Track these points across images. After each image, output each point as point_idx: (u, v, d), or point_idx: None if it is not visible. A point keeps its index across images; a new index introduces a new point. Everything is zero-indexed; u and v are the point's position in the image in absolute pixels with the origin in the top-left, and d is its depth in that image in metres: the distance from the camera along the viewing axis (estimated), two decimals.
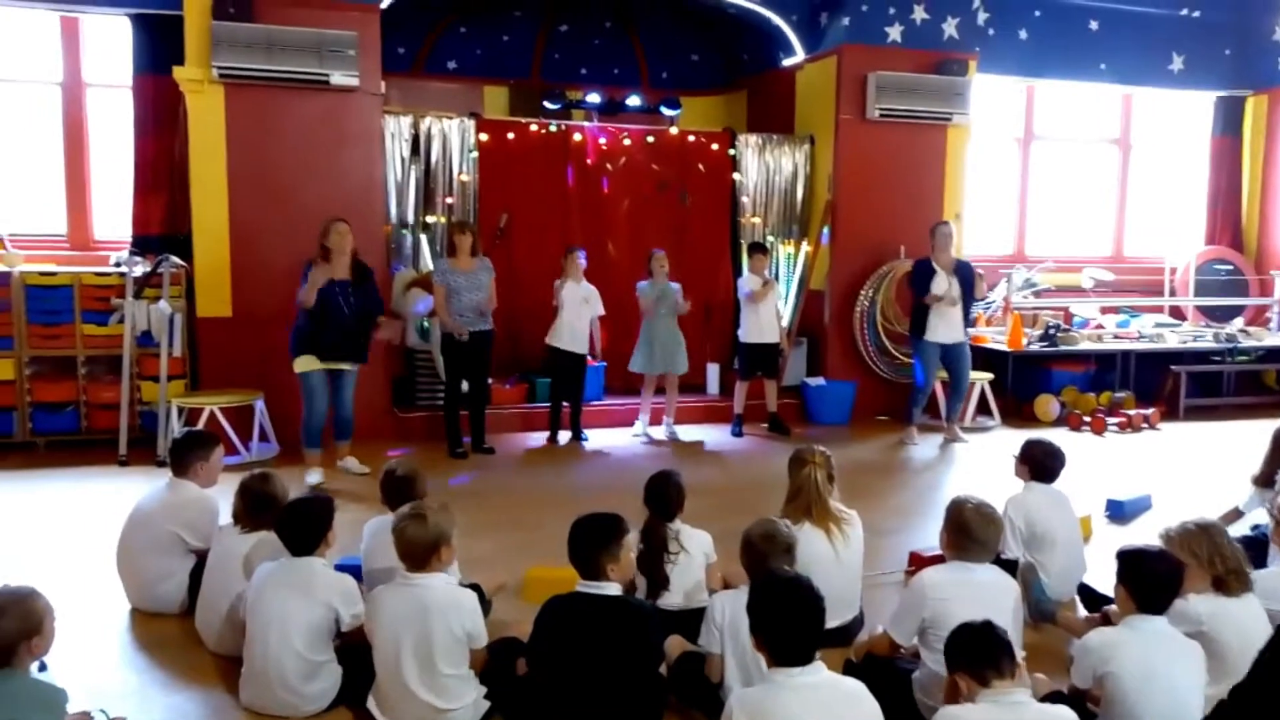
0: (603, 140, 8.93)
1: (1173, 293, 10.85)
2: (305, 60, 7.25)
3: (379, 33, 7.62)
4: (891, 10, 8.89)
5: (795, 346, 9.19)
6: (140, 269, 7.19)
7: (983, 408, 8.96)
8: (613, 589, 3.19)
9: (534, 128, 8.72)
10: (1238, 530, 4.64)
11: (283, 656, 3.38)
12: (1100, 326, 10.09)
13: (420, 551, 3.30)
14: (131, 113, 7.90)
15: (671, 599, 3.90)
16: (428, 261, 8.24)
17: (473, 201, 8.43)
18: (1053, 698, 3.06)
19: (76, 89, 8.17)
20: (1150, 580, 3.09)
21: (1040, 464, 4.56)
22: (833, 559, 3.91)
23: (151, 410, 7.22)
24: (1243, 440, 8.33)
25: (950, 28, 9.12)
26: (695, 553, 3.98)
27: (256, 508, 3.92)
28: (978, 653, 2.67)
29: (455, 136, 8.30)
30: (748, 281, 8.13)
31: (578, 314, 7.65)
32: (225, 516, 4.17)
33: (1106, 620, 3.65)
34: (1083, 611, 4.35)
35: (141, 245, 7.75)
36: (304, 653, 3.40)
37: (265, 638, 3.40)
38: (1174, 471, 7.28)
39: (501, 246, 8.54)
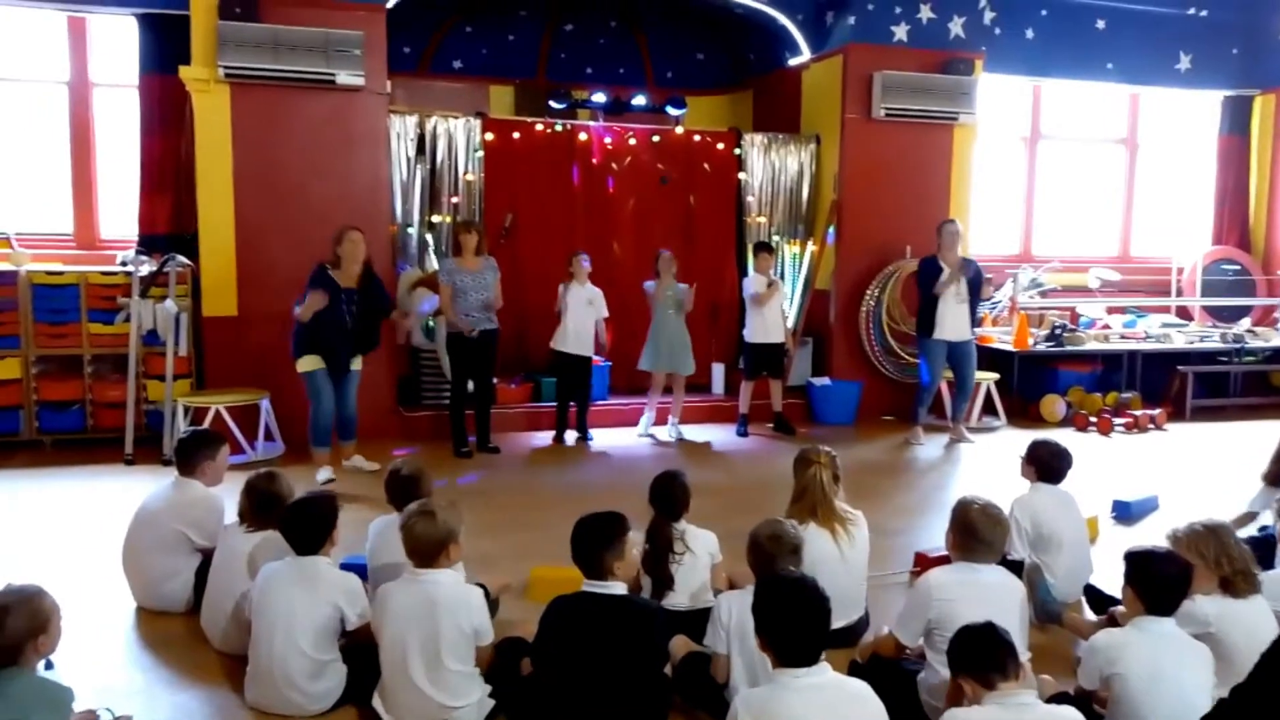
0: (608, 140, 8.93)
1: (1179, 293, 10.82)
2: (311, 60, 7.26)
3: (385, 32, 7.63)
4: (898, 9, 8.88)
5: (800, 346, 9.18)
6: (146, 268, 7.20)
7: (989, 408, 8.95)
8: (618, 588, 3.19)
9: (539, 127, 8.72)
10: (1246, 531, 4.62)
11: (288, 655, 3.39)
12: (1107, 327, 10.07)
13: (429, 548, 3.31)
14: (138, 112, 7.91)
15: (677, 599, 3.89)
16: (433, 261, 8.25)
17: (478, 201, 8.44)
18: (1059, 699, 3.05)
19: (83, 88, 8.19)
20: (1158, 582, 3.08)
21: (1047, 464, 4.55)
22: (838, 559, 3.91)
23: (157, 409, 7.23)
24: (1250, 441, 8.30)
25: (956, 27, 9.11)
26: (701, 553, 3.98)
27: (262, 507, 3.92)
28: (981, 656, 2.66)
29: (461, 136, 8.30)
30: (752, 282, 8.12)
31: (582, 316, 7.65)
32: (231, 515, 4.18)
33: (1113, 621, 3.64)
34: (1089, 613, 4.34)
35: (148, 244, 7.76)
36: (309, 652, 3.40)
37: (271, 637, 3.41)
38: (1181, 472, 7.26)
39: (507, 246, 8.54)
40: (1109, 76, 10.15)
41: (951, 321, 7.87)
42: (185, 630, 4.12)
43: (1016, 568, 4.10)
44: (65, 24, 8.07)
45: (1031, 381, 9.28)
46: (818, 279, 9.37)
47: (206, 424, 6.63)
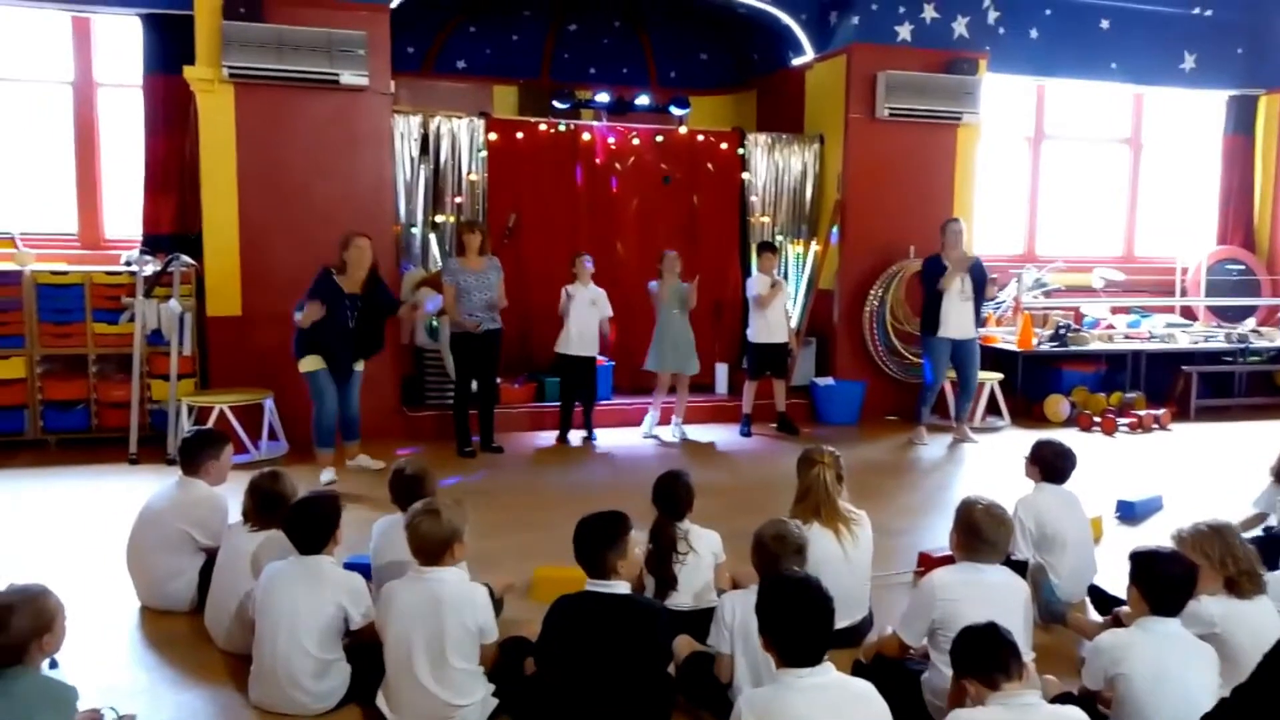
0: (612, 140, 8.93)
1: (1184, 293, 10.80)
2: (315, 60, 7.26)
3: (389, 32, 7.64)
4: (901, 9, 8.87)
5: (804, 346, 9.18)
6: (151, 268, 7.21)
7: (992, 408, 8.94)
8: (621, 587, 3.19)
9: (543, 127, 8.73)
10: (1252, 531, 4.61)
11: (292, 655, 3.39)
12: (1111, 327, 10.05)
13: (434, 546, 3.31)
14: (142, 112, 7.92)
15: (680, 599, 3.89)
16: (437, 261, 8.25)
17: (482, 201, 8.44)
18: (1063, 699, 3.04)
19: (88, 89, 8.21)
20: (1163, 582, 3.08)
21: (1051, 465, 4.54)
22: (842, 559, 3.90)
23: (162, 409, 7.24)
24: (1254, 441, 8.30)
25: (960, 27, 9.10)
26: (704, 553, 3.98)
27: (266, 506, 3.93)
28: (985, 657, 2.66)
29: (464, 136, 8.31)
30: (755, 283, 8.11)
31: (586, 318, 7.65)
32: (235, 515, 4.18)
33: (1117, 622, 3.64)
34: (1093, 613, 4.33)
35: (152, 244, 7.77)
36: (313, 651, 3.41)
37: (274, 636, 3.41)
38: (1185, 473, 7.25)
39: (510, 246, 8.54)
40: (1113, 76, 10.13)
41: (956, 319, 7.87)
42: (189, 629, 4.12)
43: (1020, 568, 4.09)
44: (70, 24, 8.08)
45: (1035, 381, 9.27)
46: (821, 279, 9.37)
47: (210, 423, 6.65)
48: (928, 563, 4.69)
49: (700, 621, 3.57)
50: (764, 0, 9.01)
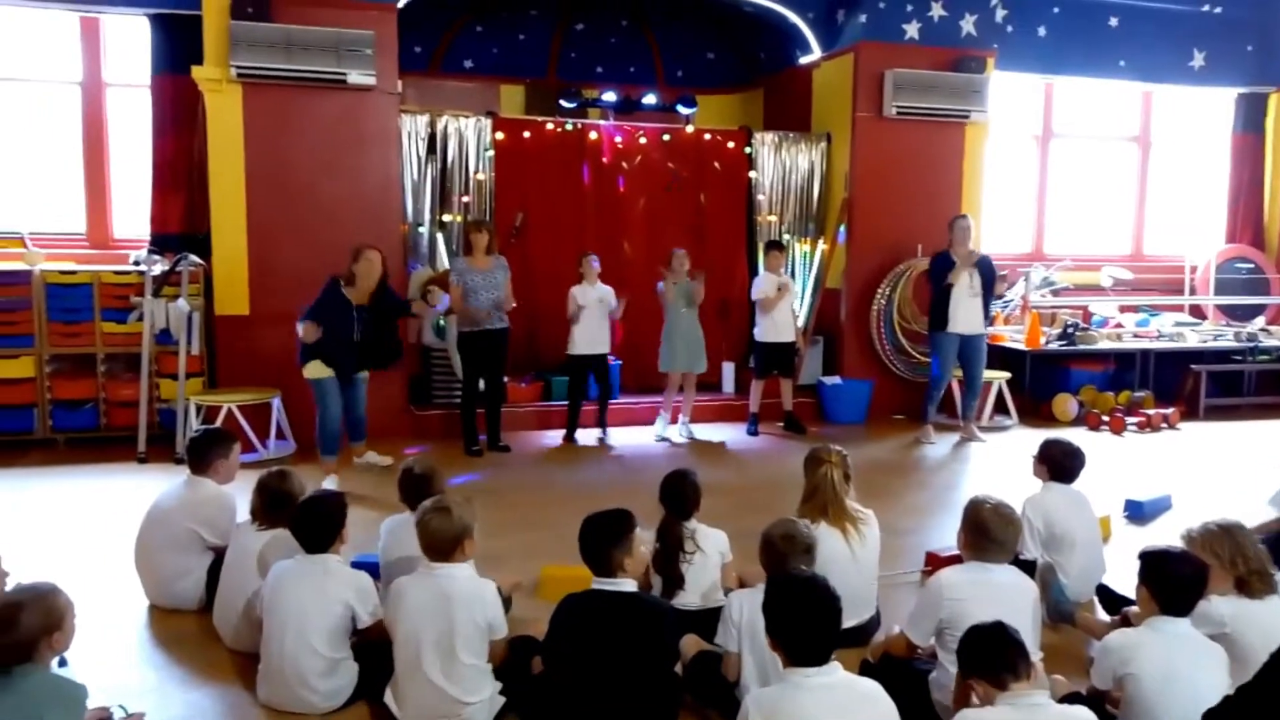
0: (619, 139, 8.93)
1: (1193, 291, 10.76)
2: (323, 59, 7.28)
3: (396, 32, 7.64)
4: (909, 7, 8.85)
5: (811, 345, 9.16)
6: (159, 267, 7.23)
7: (1000, 407, 8.92)
8: (628, 585, 3.19)
9: (550, 126, 8.73)
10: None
11: (300, 653, 3.40)
12: (1119, 325, 10.02)
13: (444, 543, 3.33)
14: (150, 112, 7.95)
15: (688, 598, 3.89)
16: (444, 260, 8.26)
17: (489, 200, 8.45)
18: (1071, 699, 3.03)
19: (96, 89, 8.23)
20: (1174, 582, 3.06)
21: (1059, 464, 4.53)
22: (849, 558, 3.90)
23: (170, 408, 7.27)
24: (1264, 440, 8.27)
25: (968, 24, 9.07)
26: (711, 552, 3.98)
27: (274, 505, 3.94)
28: (992, 656, 2.65)
29: (472, 135, 8.32)
30: (762, 282, 8.08)
31: (595, 316, 7.65)
32: (243, 514, 4.19)
33: (1126, 621, 3.62)
34: (1101, 613, 4.32)
35: (160, 244, 7.80)
36: (321, 650, 3.42)
37: (282, 635, 3.42)
38: (1194, 472, 7.22)
39: (517, 245, 8.55)
40: (1122, 74, 10.09)
41: (964, 315, 7.85)
42: (197, 628, 4.13)
43: (1029, 567, 4.09)
44: (78, 24, 8.11)
45: (1043, 380, 9.24)
46: (829, 278, 9.35)
47: (218, 423, 6.65)
48: (935, 562, 4.68)
49: (707, 621, 3.58)
50: None
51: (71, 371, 7.34)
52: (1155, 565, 3.12)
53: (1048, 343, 9.23)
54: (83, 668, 3.48)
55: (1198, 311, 10.66)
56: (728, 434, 8.21)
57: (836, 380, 8.93)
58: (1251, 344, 9.67)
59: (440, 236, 8.38)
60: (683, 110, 9.36)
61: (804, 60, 9.55)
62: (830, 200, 9.39)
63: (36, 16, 8.03)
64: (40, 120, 8.31)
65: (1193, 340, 9.75)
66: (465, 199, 8.35)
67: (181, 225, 7.97)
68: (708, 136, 9.23)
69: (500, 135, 8.43)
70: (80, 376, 7.33)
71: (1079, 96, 10.64)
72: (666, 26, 10.20)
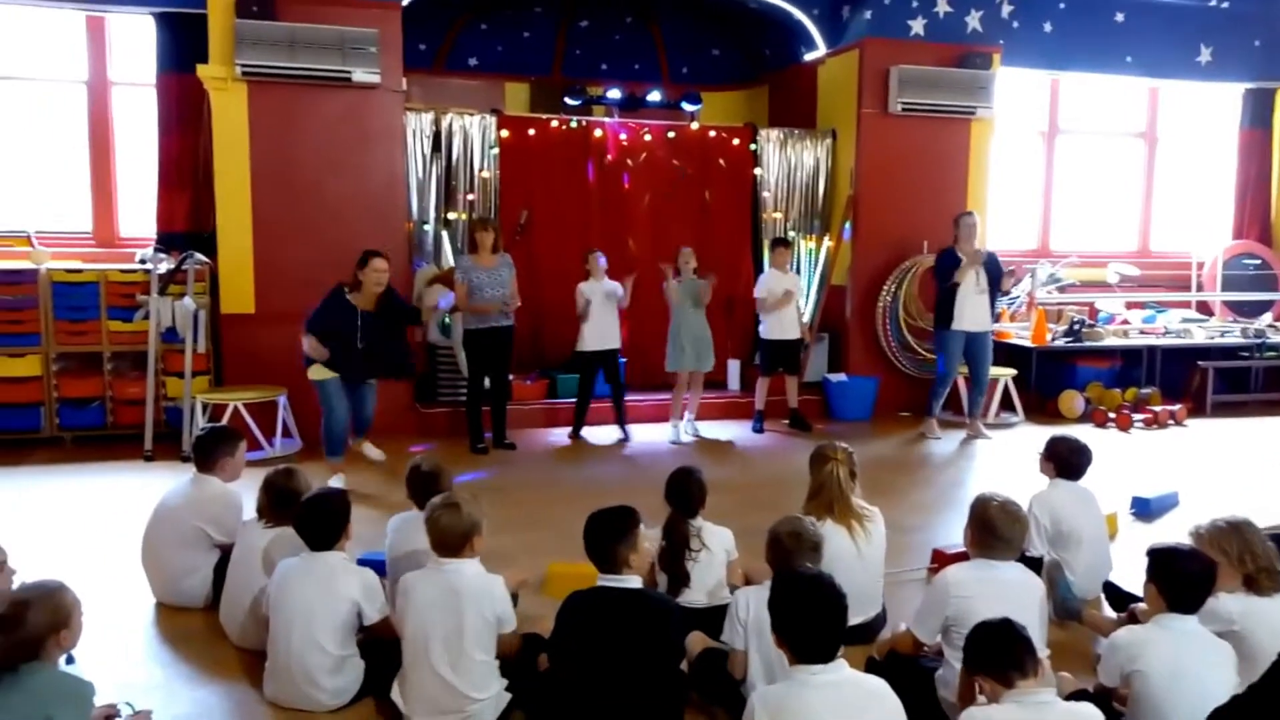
0: (623, 136, 8.92)
1: (1200, 287, 10.72)
2: (327, 58, 7.28)
3: (400, 30, 7.64)
4: (914, 3, 8.82)
5: (817, 342, 9.15)
6: (165, 266, 7.24)
7: (1006, 404, 8.90)
8: (633, 581, 3.19)
9: (555, 124, 8.72)
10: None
11: (306, 651, 3.40)
12: (1126, 322, 10.00)
13: (454, 540, 3.34)
14: (156, 111, 7.96)
15: (694, 596, 3.89)
16: (449, 258, 8.26)
17: (494, 198, 8.45)
18: (1078, 696, 3.02)
19: (102, 88, 8.25)
20: (1182, 579, 3.05)
21: (1066, 461, 4.52)
22: (855, 556, 3.89)
23: (176, 406, 7.28)
24: (1271, 437, 8.24)
25: (974, 20, 9.04)
26: (717, 550, 3.98)
27: (280, 503, 3.94)
28: (999, 654, 2.64)
29: (476, 133, 8.32)
30: (768, 280, 8.04)
31: (604, 312, 7.64)
32: (249, 511, 4.20)
33: (1133, 619, 3.61)
34: (1108, 610, 4.31)
35: (166, 242, 7.81)
36: (327, 647, 3.42)
37: (289, 632, 3.43)
38: (1201, 469, 7.20)
39: (522, 243, 8.55)
40: (1128, 70, 10.06)
41: (971, 312, 7.84)
42: (204, 626, 4.14)
43: (1035, 565, 4.08)
44: (84, 23, 8.12)
45: (1050, 377, 9.22)
46: (834, 275, 9.34)
47: (225, 420, 6.67)
48: (941, 559, 4.68)
49: (714, 618, 3.57)
50: None
51: (78, 370, 7.35)
52: (1163, 562, 3.11)
53: (1054, 339, 9.21)
54: (90, 665, 3.48)
55: (1204, 308, 10.63)
56: (733, 431, 8.21)
57: (842, 377, 8.92)
58: (1259, 340, 9.64)
59: (445, 234, 8.38)
60: (687, 107, 9.35)
61: (809, 57, 9.54)
62: (835, 197, 9.38)
63: (42, 16, 8.04)
64: (46, 119, 8.33)
65: (1199, 337, 9.72)
66: (470, 197, 8.35)
67: (187, 224, 7.98)
68: (712, 133, 9.22)
69: (505, 133, 8.43)
70: (86, 375, 7.35)
71: (1085, 92, 10.61)
72: (671, 23, 10.19)
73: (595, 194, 8.92)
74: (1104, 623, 3.96)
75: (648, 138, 8.97)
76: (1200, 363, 9.49)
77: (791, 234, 9.28)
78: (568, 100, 9.15)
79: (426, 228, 8.30)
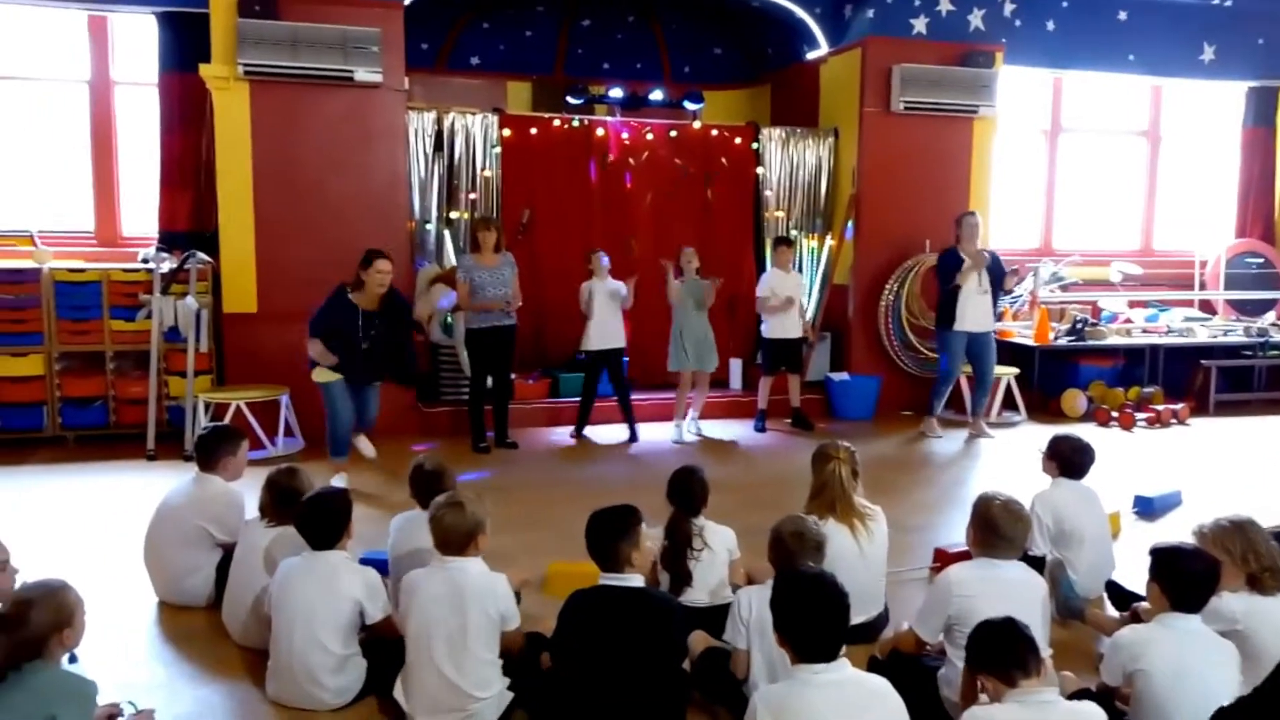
0: (625, 135, 8.92)
1: (1202, 286, 10.71)
2: (330, 57, 7.28)
3: (402, 29, 7.64)
4: (916, 2, 8.82)
5: (819, 341, 9.15)
6: (167, 265, 7.25)
7: (1009, 403, 8.90)
8: (635, 580, 3.19)
9: (557, 123, 8.72)
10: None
11: (308, 650, 3.41)
12: (1129, 321, 9.98)
13: (458, 538, 3.34)
14: (158, 110, 7.96)
15: (696, 595, 3.89)
16: (451, 257, 8.26)
17: (496, 197, 8.45)
18: (1081, 696, 3.02)
19: (104, 87, 8.25)
20: (1185, 578, 3.05)
21: (1069, 460, 4.52)
22: (857, 555, 3.89)
23: (179, 405, 7.29)
24: (1274, 436, 8.23)
25: (976, 19, 9.03)
26: (719, 549, 3.97)
27: (283, 502, 3.94)
28: (1002, 653, 2.64)
29: (478, 132, 8.32)
30: (771, 279, 8.02)
31: (608, 311, 7.64)
32: (252, 511, 4.20)
33: (1136, 618, 3.61)
34: (1111, 609, 4.30)
35: (168, 241, 7.81)
36: (330, 646, 3.42)
37: (291, 631, 3.43)
38: (1204, 468, 7.19)
39: (524, 242, 8.55)
40: (1131, 68, 10.04)
41: (973, 313, 7.83)
42: (206, 625, 4.15)
43: (1038, 564, 4.08)
44: (86, 23, 8.12)
45: (1052, 376, 9.21)
46: (836, 274, 9.33)
47: (227, 420, 6.67)
48: (944, 558, 4.67)
49: (716, 618, 3.57)
50: None
51: (80, 369, 7.36)
52: (1166, 561, 3.10)
53: (1057, 338, 9.20)
54: (93, 664, 3.49)
55: (1207, 307, 10.62)
56: (735, 430, 8.20)
57: (844, 376, 8.92)
58: (1261, 339, 9.62)
59: (447, 233, 8.38)
60: (690, 106, 9.35)
61: (811, 55, 9.53)
62: (838, 196, 9.37)
63: (45, 15, 8.05)
64: (48, 119, 8.33)
65: (1202, 335, 9.71)
66: (472, 196, 8.35)
67: (189, 223, 7.99)
68: (715, 132, 9.21)
69: (507, 132, 8.43)
70: (89, 374, 7.36)
71: (1088, 91, 10.59)
72: (673, 22, 10.18)
73: (597, 193, 8.92)
74: (1107, 622, 3.95)
75: (650, 137, 8.96)
76: (1203, 361, 9.47)
77: (794, 233, 9.28)
78: (570, 99, 9.15)
79: (428, 227, 8.31)
